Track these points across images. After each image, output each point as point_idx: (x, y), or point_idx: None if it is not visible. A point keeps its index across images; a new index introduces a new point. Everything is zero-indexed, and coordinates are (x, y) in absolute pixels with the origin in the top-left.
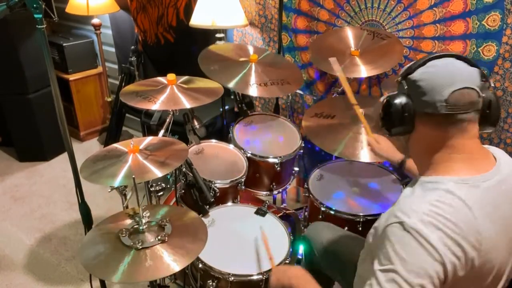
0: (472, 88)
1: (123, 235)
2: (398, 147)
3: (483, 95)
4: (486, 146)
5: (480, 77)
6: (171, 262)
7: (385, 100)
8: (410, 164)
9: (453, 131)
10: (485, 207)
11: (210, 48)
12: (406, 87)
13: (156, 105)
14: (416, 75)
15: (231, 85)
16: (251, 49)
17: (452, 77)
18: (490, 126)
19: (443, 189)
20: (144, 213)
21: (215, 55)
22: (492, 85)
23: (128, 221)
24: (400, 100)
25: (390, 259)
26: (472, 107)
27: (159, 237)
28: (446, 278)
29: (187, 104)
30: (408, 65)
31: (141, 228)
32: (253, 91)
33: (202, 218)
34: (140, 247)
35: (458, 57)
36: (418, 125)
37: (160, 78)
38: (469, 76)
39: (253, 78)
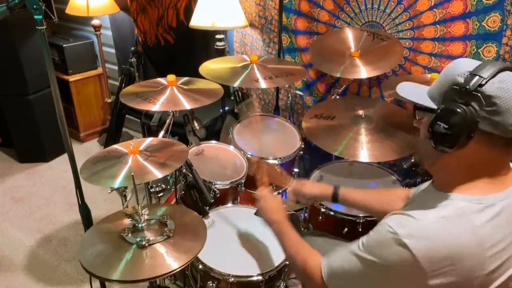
0: None
1: (126, 233)
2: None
3: None
4: None
5: None
6: (171, 260)
7: (445, 109)
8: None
9: (506, 152)
10: (497, 226)
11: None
12: (484, 102)
13: (156, 106)
14: (490, 90)
15: (236, 84)
16: (247, 57)
17: None
18: None
19: (453, 207)
20: (143, 210)
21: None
22: None
23: (127, 220)
24: (469, 115)
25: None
26: None
27: (164, 233)
28: None
29: (187, 105)
30: (470, 70)
31: (139, 226)
32: (261, 84)
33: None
34: (146, 244)
35: None
36: (472, 142)
37: (160, 79)
38: None
39: (257, 75)
